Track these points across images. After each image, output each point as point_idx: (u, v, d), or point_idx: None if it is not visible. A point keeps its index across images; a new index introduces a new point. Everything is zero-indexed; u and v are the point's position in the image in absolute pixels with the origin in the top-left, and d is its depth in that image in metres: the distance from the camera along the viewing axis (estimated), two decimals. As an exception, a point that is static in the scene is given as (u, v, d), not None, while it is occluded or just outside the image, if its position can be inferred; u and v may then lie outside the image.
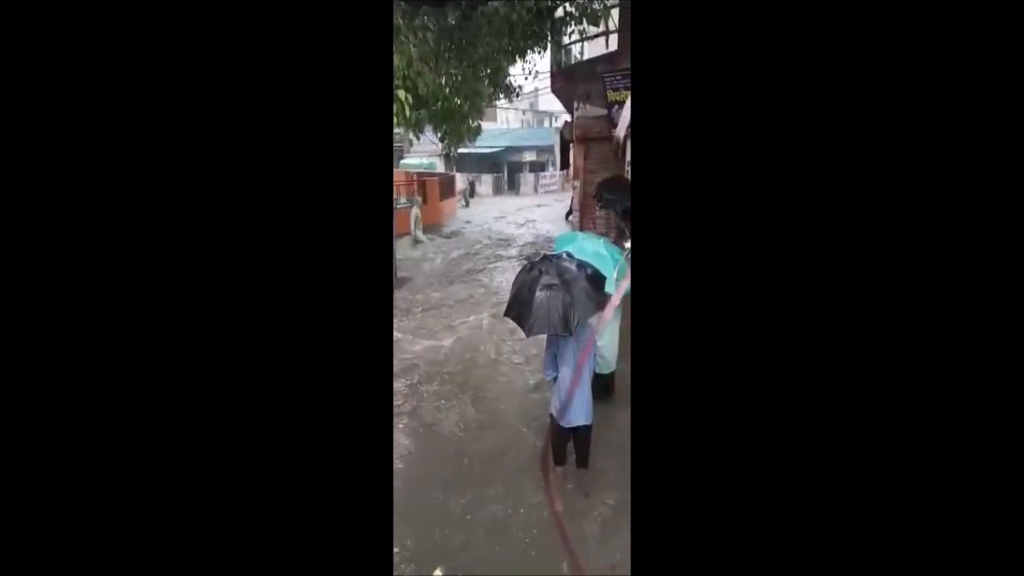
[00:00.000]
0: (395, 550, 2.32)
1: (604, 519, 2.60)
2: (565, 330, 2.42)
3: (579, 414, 2.71)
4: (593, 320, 3.01)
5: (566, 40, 7.85)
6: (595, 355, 3.34)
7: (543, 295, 2.44)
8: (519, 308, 2.55)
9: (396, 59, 4.17)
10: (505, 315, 2.73)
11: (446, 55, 6.27)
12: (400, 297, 6.80)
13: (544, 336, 2.71)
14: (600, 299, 2.51)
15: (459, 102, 7.63)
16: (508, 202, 20.80)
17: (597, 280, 2.64)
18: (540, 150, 26.60)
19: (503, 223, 14.32)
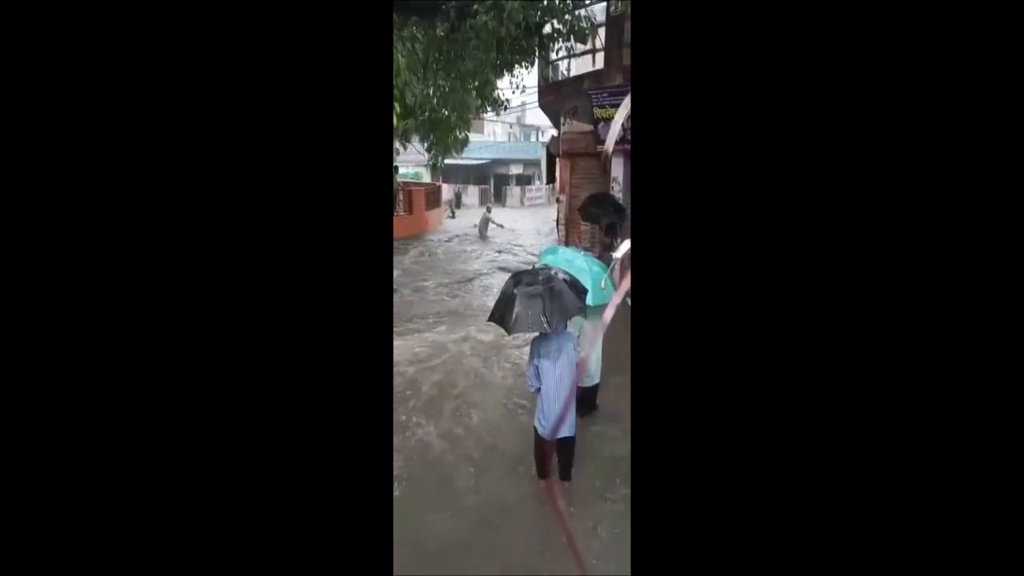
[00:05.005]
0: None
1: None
2: (543, 327, 2.56)
3: (563, 426, 2.70)
4: (583, 325, 3.24)
5: (554, 56, 7.96)
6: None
7: (524, 299, 2.61)
8: (501, 311, 2.70)
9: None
10: (489, 320, 2.84)
11: (434, 66, 6.32)
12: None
13: (528, 349, 2.78)
14: (577, 304, 2.69)
15: (446, 113, 7.67)
16: (496, 214, 20.85)
17: (575, 287, 2.77)
18: (526, 163, 26.83)
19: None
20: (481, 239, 13.25)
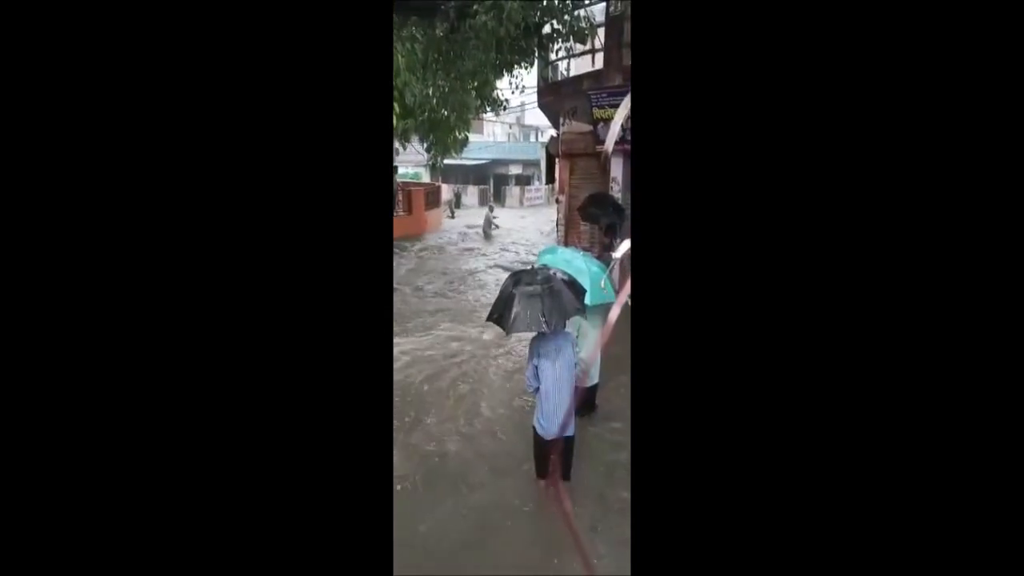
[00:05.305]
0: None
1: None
2: (542, 327, 2.57)
3: (566, 427, 2.71)
4: (582, 325, 3.27)
5: (553, 56, 7.96)
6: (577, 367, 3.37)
7: (523, 299, 2.62)
8: (500, 310, 2.70)
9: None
10: (487, 319, 2.84)
11: (434, 66, 6.31)
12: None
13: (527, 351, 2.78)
14: (576, 304, 2.70)
15: (446, 113, 7.66)
16: (496, 214, 20.91)
17: (574, 287, 2.79)
18: (526, 164, 26.84)
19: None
20: (485, 238, 13.67)
